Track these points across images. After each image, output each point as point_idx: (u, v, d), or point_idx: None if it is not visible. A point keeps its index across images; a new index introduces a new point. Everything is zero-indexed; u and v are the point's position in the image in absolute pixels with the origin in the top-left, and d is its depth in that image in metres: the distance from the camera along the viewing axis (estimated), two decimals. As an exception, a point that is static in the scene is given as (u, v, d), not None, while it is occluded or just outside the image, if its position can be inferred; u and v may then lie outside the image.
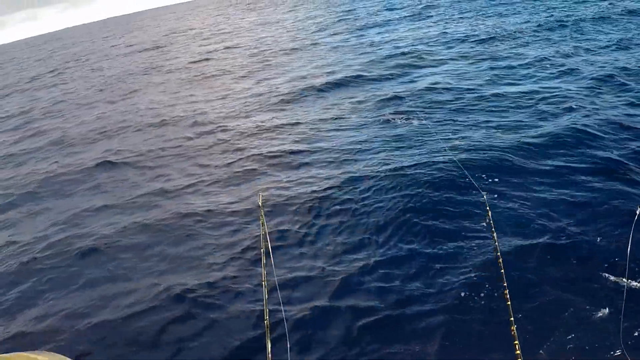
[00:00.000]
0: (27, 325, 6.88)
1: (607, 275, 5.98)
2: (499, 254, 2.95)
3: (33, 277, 8.01)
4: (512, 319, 2.76)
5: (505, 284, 2.89)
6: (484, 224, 7.12)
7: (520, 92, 13.01)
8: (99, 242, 8.67)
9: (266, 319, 3.03)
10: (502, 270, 2.94)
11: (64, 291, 7.49)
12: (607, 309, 5.48)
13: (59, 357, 1.27)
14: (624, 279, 4.93)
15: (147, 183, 11.00)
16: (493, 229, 3.22)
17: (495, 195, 7.92)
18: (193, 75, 24.16)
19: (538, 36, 19.24)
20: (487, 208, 3.54)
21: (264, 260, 3.74)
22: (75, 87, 28.90)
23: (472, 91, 13.62)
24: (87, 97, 24.82)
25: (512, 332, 2.79)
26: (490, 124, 10.99)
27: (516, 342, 2.73)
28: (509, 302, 2.80)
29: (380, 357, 5.36)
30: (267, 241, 3.67)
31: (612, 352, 4.74)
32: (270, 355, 2.70)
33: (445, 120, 11.81)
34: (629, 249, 3.93)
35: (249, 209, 8.84)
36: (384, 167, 9.49)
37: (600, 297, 5.72)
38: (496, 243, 3.13)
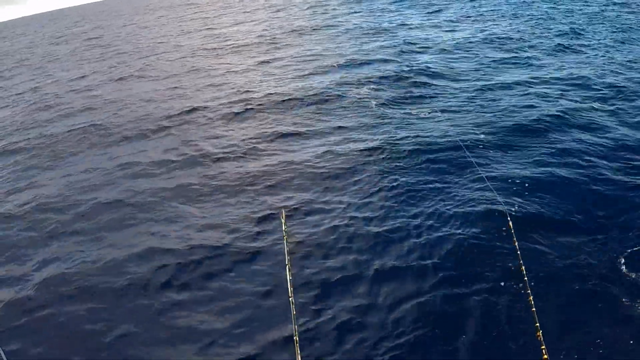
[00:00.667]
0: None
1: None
2: (521, 262, 2.99)
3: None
4: (537, 324, 2.79)
5: (529, 291, 2.92)
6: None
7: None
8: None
9: (295, 337, 3.09)
10: (525, 278, 2.98)
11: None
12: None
13: None
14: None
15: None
16: (515, 238, 3.25)
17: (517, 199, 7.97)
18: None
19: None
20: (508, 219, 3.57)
21: (289, 277, 3.80)
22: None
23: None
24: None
25: (538, 337, 2.82)
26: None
27: (543, 347, 2.75)
28: (534, 309, 2.84)
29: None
30: (290, 260, 3.74)
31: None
32: None
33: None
34: None
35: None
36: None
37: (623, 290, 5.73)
38: (518, 252, 3.18)
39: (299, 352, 2.84)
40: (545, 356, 2.77)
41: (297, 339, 2.96)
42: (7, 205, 11.44)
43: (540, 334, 2.75)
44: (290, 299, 3.55)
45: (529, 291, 2.90)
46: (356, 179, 9.78)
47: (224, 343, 6.36)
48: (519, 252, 3.21)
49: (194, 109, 16.37)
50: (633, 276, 6.10)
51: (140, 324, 6.93)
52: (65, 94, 22.46)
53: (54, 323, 7.20)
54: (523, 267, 2.95)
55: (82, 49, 39.13)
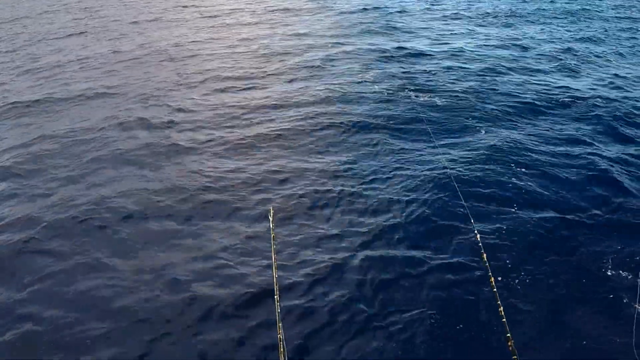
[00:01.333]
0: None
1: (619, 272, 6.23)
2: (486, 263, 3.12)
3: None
4: (508, 334, 2.89)
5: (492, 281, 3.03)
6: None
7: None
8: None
9: (280, 332, 3.16)
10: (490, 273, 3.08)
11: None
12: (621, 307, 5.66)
13: None
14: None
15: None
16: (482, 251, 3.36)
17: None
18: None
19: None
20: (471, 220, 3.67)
21: (275, 275, 3.90)
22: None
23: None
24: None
25: (509, 343, 2.90)
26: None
27: (515, 357, 2.84)
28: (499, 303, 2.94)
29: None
30: (276, 258, 3.81)
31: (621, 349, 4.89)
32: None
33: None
34: None
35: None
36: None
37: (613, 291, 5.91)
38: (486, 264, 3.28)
39: (282, 349, 2.93)
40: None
41: (281, 335, 3.04)
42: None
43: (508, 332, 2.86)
44: (276, 297, 3.61)
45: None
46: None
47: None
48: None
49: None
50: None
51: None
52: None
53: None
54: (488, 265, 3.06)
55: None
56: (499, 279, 6.21)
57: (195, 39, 22.77)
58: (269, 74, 16.78)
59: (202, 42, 22.14)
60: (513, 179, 8.97)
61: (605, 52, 16.91)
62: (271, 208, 5.15)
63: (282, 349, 2.92)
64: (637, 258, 6.77)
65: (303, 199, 9.32)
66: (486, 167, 9.47)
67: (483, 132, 11.12)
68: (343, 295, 6.75)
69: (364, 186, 9.44)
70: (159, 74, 18.04)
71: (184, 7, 31.73)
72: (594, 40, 18.27)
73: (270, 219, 4.80)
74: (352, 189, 9.32)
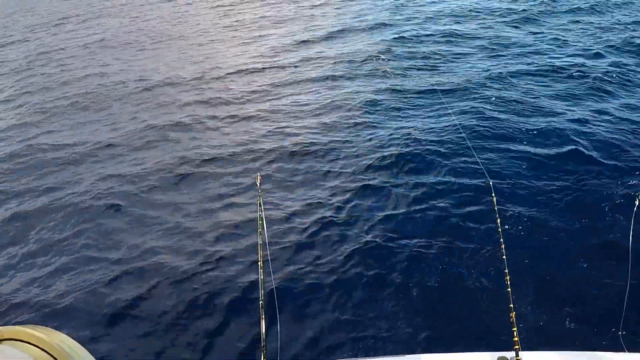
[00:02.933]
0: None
1: (609, 263, 6.04)
2: (501, 239, 2.93)
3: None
4: (511, 305, 2.74)
5: (506, 270, 2.86)
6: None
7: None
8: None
9: (261, 301, 3.00)
10: (504, 257, 2.92)
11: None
12: (609, 299, 5.51)
13: (56, 332, 1.22)
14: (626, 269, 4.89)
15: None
16: (497, 216, 3.17)
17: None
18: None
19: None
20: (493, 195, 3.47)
21: (260, 242, 3.69)
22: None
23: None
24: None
25: (511, 320, 2.77)
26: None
27: (514, 328, 2.71)
28: (509, 289, 2.78)
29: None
30: (265, 227, 3.62)
31: (609, 343, 4.74)
32: (264, 335, 2.68)
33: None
34: (630, 237, 3.90)
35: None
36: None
37: (601, 286, 5.76)
38: (499, 229, 3.10)
39: (263, 316, 2.74)
40: (516, 338, 2.72)
41: (262, 303, 2.87)
42: None
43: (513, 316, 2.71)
44: (260, 263, 3.44)
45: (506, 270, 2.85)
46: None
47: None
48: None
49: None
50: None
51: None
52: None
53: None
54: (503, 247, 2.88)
55: None
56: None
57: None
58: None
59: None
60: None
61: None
62: (258, 175, 4.91)
63: (262, 315, 2.73)
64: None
65: (292, 161, 9.24)
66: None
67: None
68: (332, 261, 6.59)
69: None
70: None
71: None
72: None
73: (258, 185, 4.59)
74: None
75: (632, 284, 4.12)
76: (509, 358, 2.73)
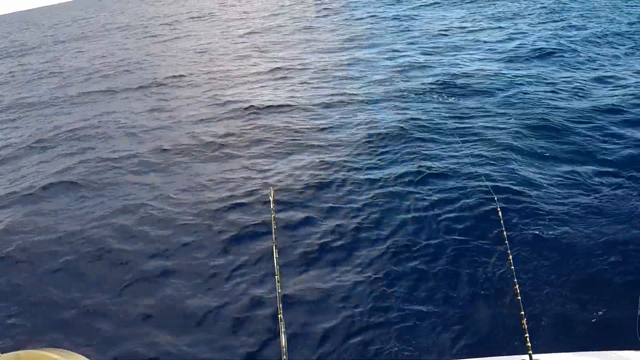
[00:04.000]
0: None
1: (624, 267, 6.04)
2: (509, 251, 3.01)
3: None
4: (522, 312, 2.81)
5: (515, 279, 2.94)
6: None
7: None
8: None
9: (280, 314, 3.06)
10: (512, 267, 2.99)
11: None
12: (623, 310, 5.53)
13: (74, 355, 1.28)
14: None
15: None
16: (503, 228, 3.25)
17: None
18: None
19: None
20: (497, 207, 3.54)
21: (276, 255, 3.76)
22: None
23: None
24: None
25: (523, 326, 2.83)
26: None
27: (527, 335, 2.76)
28: (519, 297, 2.85)
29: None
30: (276, 238, 3.68)
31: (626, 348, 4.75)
32: (285, 349, 2.75)
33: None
34: None
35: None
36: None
37: (615, 297, 5.77)
38: (506, 242, 3.18)
39: (283, 329, 2.82)
40: (528, 344, 2.78)
41: (282, 316, 2.93)
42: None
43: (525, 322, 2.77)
44: (277, 279, 3.50)
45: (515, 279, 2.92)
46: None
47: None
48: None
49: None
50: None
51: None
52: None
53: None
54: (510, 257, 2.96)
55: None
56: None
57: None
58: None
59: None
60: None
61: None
62: (272, 189, 4.98)
63: (282, 329, 2.81)
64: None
65: (305, 178, 9.31)
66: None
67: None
68: (347, 278, 6.65)
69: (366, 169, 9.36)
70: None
71: None
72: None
73: (271, 199, 4.63)
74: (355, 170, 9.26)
75: None
76: None
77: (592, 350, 3.24)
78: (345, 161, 10.03)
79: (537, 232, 6.90)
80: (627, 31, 17.01)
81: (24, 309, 7.10)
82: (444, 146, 10.15)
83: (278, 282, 3.51)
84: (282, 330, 2.79)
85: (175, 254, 7.86)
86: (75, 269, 7.94)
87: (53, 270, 7.96)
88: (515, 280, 2.95)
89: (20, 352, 1.20)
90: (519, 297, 2.89)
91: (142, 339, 6.28)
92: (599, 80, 12.78)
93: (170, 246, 8.09)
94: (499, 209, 3.35)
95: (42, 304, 7.16)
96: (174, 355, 5.91)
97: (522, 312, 2.84)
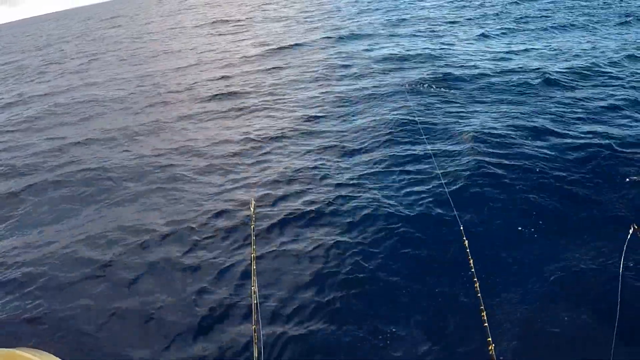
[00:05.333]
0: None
1: (599, 288, 6.15)
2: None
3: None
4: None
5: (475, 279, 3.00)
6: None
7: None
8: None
9: (253, 326, 3.10)
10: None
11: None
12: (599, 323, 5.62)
13: (46, 355, 1.30)
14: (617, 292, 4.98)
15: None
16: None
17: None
18: None
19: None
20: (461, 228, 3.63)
21: (254, 267, 3.81)
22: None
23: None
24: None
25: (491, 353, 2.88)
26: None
27: (486, 324, 2.80)
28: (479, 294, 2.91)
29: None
30: (255, 250, 3.73)
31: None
32: None
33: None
34: (621, 266, 3.93)
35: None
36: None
37: (590, 314, 5.87)
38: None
39: (256, 341, 2.86)
40: (489, 338, 2.83)
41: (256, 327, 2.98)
42: None
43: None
44: (253, 289, 3.54)
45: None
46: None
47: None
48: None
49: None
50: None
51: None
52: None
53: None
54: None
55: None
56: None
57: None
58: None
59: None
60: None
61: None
62: (252, 199, 5.05)
63: (255, 340, 2.86)
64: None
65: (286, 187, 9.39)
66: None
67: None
68: (322, 287, 6.69)
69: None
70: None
71: None
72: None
73: (252, 209, 4.71)
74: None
75: (623, 308, 4.13)
76: None
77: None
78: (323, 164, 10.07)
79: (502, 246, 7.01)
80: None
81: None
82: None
83: (254, 293, 3.56)
84: (255, 342, 2.84)
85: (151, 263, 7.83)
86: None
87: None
88: (480, 295, 3.02)
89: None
90: (486, 324, 2.96)
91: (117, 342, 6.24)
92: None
93: (145, 255, 8.05)
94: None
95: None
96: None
97: (490, 339, 2.90)
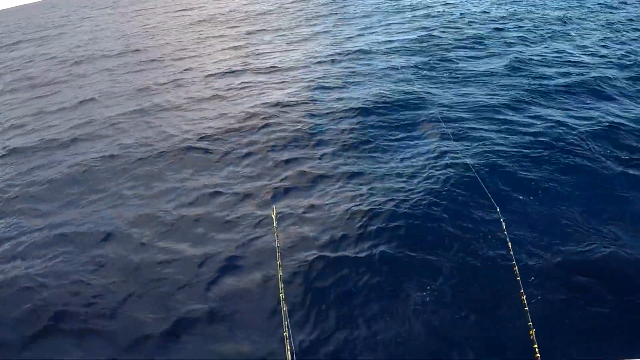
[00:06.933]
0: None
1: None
2: (514, 264, 3.01)
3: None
4: (530, 323, 2.79)
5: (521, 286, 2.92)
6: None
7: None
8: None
9: (286, 331, 3.05)
10: (518, 276, 2.97)
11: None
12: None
13: None
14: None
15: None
16: (508, 240, 3.25)
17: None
18: None
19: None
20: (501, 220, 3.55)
21: (280, 273, 3.76)
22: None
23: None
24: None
25: (532, 337, 2.81)
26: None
27: (535, 345, 2.74)
28: (527, 308, 2.83)
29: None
30: (280, 256, 3.69)
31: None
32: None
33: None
34: None
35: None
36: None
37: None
38: (511, 253, 3.17)
39: (289, 347, 2.81)
40: (538, 355, 2.76)
41: (288, 334, 2.93)
42: None
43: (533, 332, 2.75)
44: (281, 297, 3.49)
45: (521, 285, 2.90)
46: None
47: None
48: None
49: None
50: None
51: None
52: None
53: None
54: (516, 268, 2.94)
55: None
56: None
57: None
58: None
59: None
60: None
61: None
62: (274, 207, 5.00)
63: (288, 346, 2.80)
64: None
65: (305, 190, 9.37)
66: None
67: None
68: (348, 289, 6.64)
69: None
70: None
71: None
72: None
73: (274, 217, 4.65)
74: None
75: None
76: None
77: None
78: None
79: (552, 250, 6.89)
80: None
81: None
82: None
83: (283, 299, 3.50)
84: (288, 348, 2.78)
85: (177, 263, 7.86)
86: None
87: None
88: (522, 290, 2.94)
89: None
90: (526, 308, 2.88)
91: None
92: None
93: (171, 254, 8.07)
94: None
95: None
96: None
97: (530, 323, 2.82)
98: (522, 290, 2.92)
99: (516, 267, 3.04)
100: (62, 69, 26.32)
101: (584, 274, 6.26)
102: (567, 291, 6.03)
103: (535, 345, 2.75)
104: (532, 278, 6.23)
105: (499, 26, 20.28)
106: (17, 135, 16.13)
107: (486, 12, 23.58)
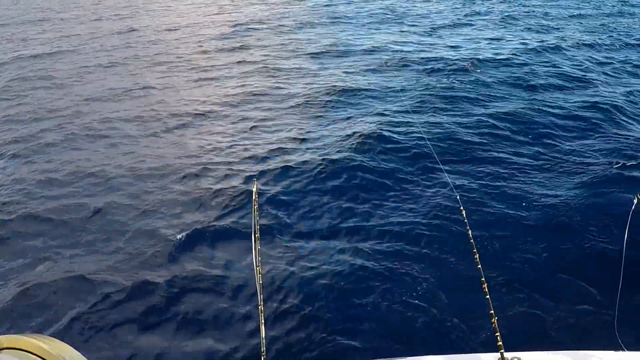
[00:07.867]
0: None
1: (601, 260, 6.29)
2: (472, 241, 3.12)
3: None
4: (492, 311, 2.87)
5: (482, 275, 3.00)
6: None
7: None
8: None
9: (260, 305, 3.09)
10: (478, 261, 3.05)
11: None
12: (601, 297, 5.68)
13: (57, 341, 1.30)
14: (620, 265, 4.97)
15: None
16: (467, 222, 3.33)
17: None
18: None
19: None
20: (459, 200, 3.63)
21: (257, 247, 3.78)
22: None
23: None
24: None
25: (493, 325, 2.88)
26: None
27: (497, 333, 2.81)
28: (488, 296, 2.91)
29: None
30: (258, 231, 3.69)
31: (604, 338, 4.88)
32: (264, 340, 2.78)
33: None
34: (625, 236, 3.90)
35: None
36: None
37: (593, 284, 5.96)
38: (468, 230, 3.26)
39: (262, 321, 2.86)
40: (500, 342, 2.83)
41: (262, 307, 2.98)
42: None
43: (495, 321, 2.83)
44: (257, 271, 3.51)
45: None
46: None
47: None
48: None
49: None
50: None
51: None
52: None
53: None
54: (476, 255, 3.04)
55: None
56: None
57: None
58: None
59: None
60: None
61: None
62: (255, 181, 5.00)
63: (262, 321, 2.86)
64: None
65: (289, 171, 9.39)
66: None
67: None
68: (326, 274, 6.72)
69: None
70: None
71: None
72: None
73: (254, 190, 4.61)
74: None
75: (625, 280, 4.14)
76: None
77: (565, 350, 3.18)
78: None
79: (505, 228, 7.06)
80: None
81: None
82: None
83: (259, 273, 3.54)
84: (262, 322, 2.84)
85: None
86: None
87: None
88: (483, 279, 3.01)
89: (2, 337, 1.16)
90: (488, 296, 2.95)
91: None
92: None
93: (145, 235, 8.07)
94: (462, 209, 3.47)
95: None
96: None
97: (492, 311, 2.90)
98: (483, 279, 3.00)
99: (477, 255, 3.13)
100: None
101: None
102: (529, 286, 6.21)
103: (497, 334, 2.81)
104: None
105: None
106: None
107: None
